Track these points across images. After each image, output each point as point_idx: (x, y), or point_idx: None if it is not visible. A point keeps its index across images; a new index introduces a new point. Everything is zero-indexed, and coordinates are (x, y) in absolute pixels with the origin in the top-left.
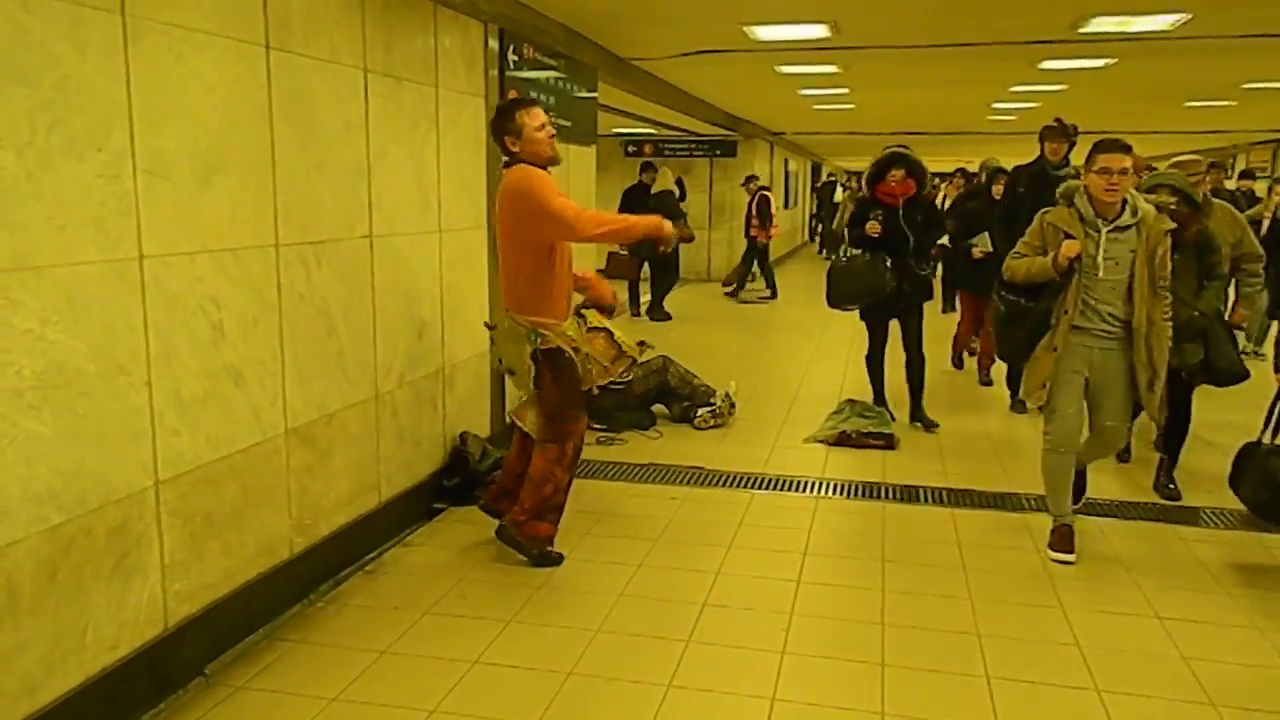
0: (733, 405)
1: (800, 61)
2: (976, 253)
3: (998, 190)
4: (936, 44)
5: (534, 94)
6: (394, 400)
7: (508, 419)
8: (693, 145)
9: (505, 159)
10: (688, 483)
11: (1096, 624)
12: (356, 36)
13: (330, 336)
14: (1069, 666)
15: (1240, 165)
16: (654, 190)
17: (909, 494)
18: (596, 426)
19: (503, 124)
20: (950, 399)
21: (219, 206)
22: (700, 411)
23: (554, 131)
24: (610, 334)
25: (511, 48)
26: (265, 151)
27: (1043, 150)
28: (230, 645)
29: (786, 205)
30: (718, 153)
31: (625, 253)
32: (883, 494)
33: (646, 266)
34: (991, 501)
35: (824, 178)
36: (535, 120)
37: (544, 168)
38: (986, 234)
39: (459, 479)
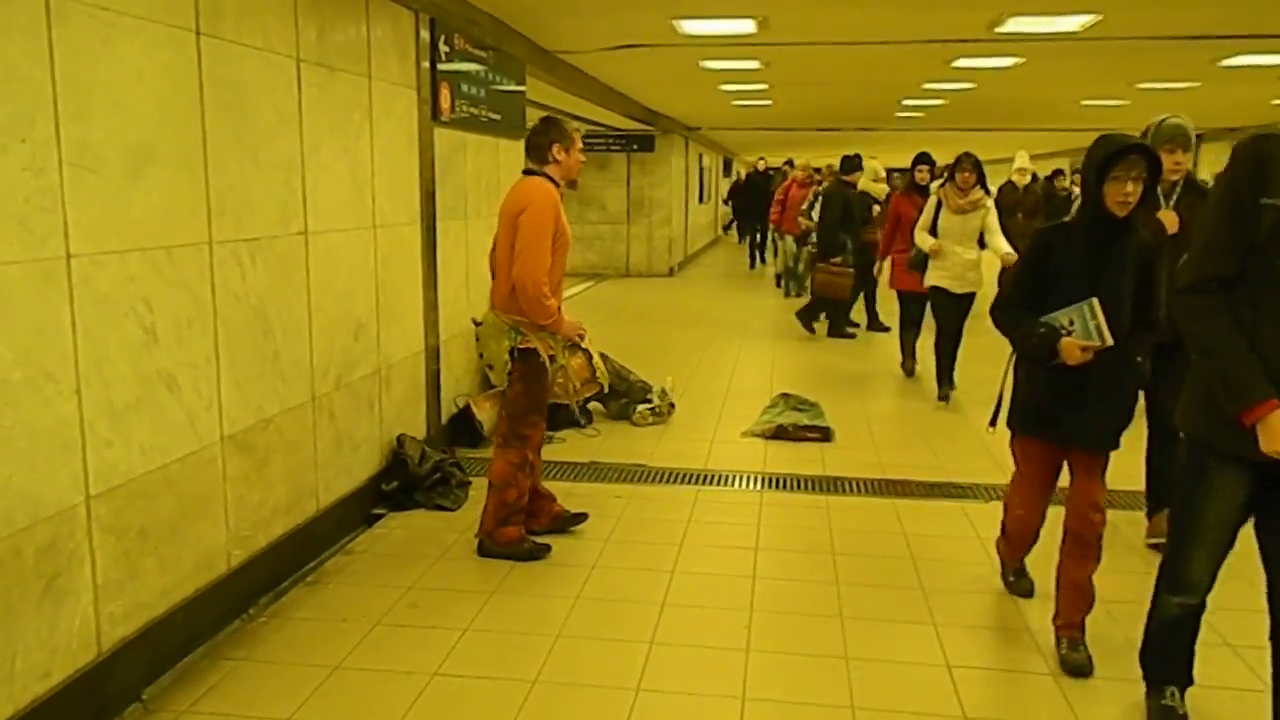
0: (672, 405)
1: (724, 56)
2: None
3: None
4: (858, 40)
5: (464, 86)
6: (331, 403)
7: (451, 409)
8: (610, 140)
9: (529, 167)
10: (631, 480)
11: (1047, 609)
12: (289, 23)
13: (266, 338)
14: (1026, 653)
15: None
16: (858, 189)
17: (850, 486)
18: None
19: (556, 131)
20: (879, 388)
21: (150, 202)
22: (639, 408)
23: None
24: (590, 357)
25: (443, 38)
26: (197, 143)
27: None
28: (169, 667)
29: (701, 200)
30: (635, 147)
31: (838, 268)
32: (825, 486)
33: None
34: (929, 491)
35: (734, 173)
36: (580, 140)
37: (564, 187)
38: None
39: (398, 482)
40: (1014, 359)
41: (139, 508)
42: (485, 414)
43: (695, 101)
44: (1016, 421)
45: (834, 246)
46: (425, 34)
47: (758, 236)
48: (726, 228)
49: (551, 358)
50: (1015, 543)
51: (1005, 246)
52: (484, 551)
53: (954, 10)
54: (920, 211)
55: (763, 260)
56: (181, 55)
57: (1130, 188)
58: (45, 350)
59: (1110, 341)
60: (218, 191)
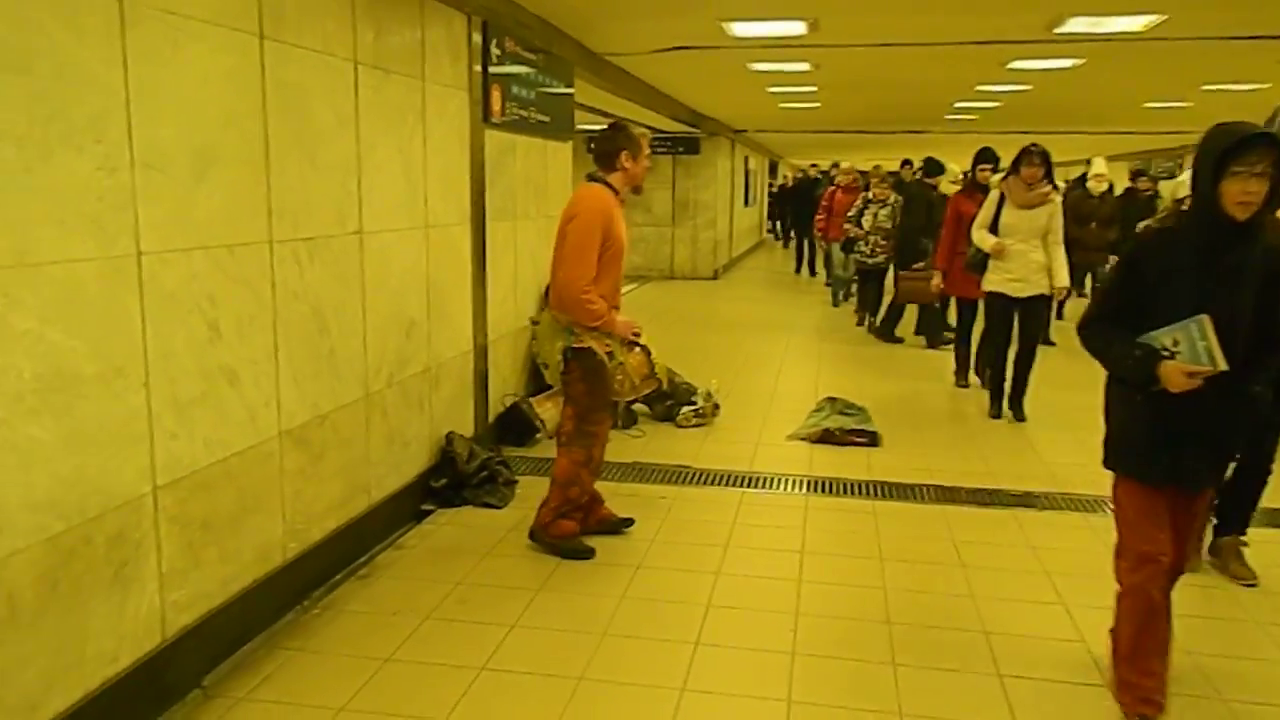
0: (716, 405)
1: (773, 59)
2: None
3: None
4: (911, 43)
5: (515, 88)
6: (383, 400)
7: (499, 407)
8: (656, 142)
9: (593, 173)
10: (676, 482)
11: (1099, 620)
12: (347, 27)
13: (322, 335)
14: (1078, 663)
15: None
16: (939, 192)
17: (898, 491)
18: None
19: (625, 139)
20: (927, 394)
21: (214, 201)
22: (683, 410)
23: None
24: (648, 353)
25: (494, 41)
26: (259, 144)
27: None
28: (228, 655)
29: (746, 203)
30: (681, 150)
31: (922, 273)
32: (872, 491)
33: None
34: (979, 498)
35: (780, 176)
36: (648, 147)
37: (624, 194)
38: None
39: (446, 480)
40: (1108, 385)
41: (202, 499)
42: (548, 413)
43: (742, 104)
44: (1113, 458)
45: (917, 252)
46: (477, 37)
47: (805, 243)
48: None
49: (610, 354)
50: (1140, 629)
51: (1063, 271)
52: (535, 539)
53: (1011, 12)
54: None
55: (812, 272)
56: (245, 58)
57: (1254, 186)
58: (115, 345)
59: (1223, 366)
60: (278, 192)
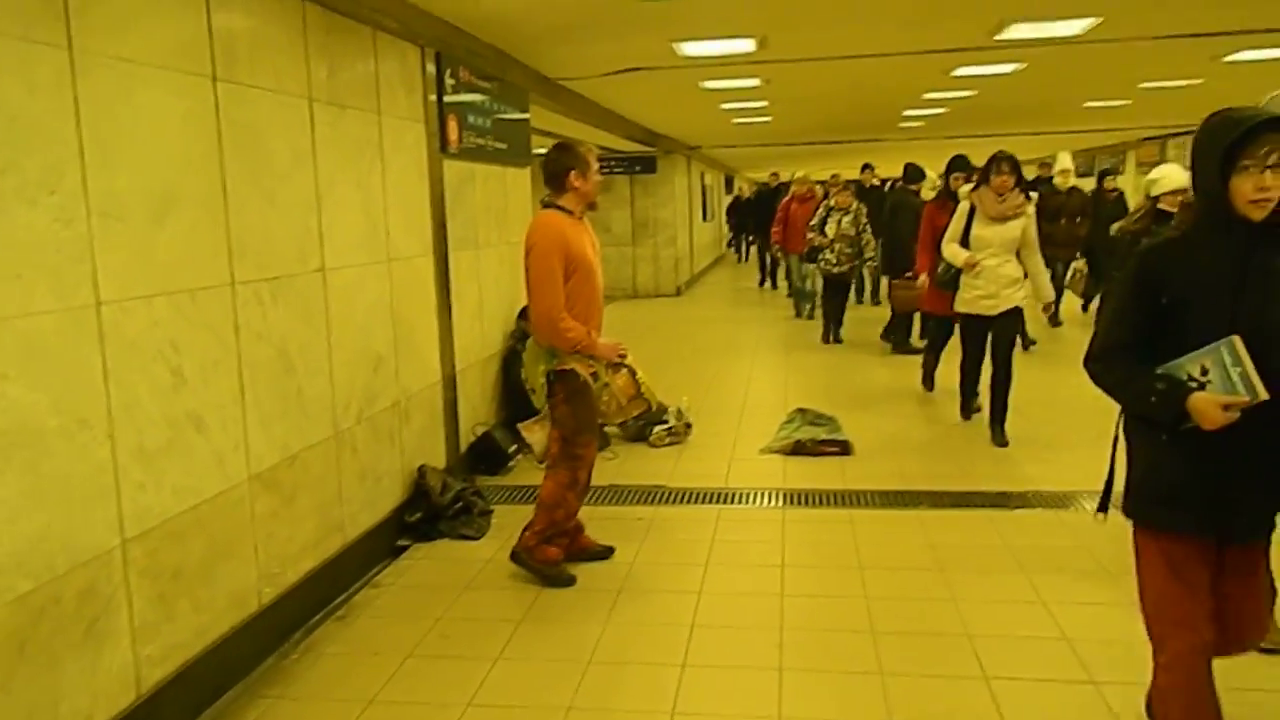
0: (688, 424)
1: (724, 76)
2: None
3: None
4: (858, 55)
5: (471, 117)
6: (353, 437)
7: (469, 437)
8: (613, 162)
9: (544, 200)
10: (652, 502)
11: (1079, 617)
12: (300, 64)
13: (289, 375)
14: (1062, 660)
15: (1131, 162)
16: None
17: (873, 499)
18: None
19: (571, 158)
20: (895, 400)
21: (174, 246)
22: (656, 429)
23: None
24: (634, 374)
25: (448, 71)
26: (217, 186)
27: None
28: (207, 707)
29: (705, 218)
30: (638, 169)
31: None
32: (847, 500)
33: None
34: (954, 501)
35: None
36: (595, 162)
37: (580, 213)
38: None
39: (421, 513)
40: (1123, 423)
41: (172, 549)
42: (535, 437)
43: (696, 121)
44: (1136, 505)
45: (907, 260)
46: (431, 68)
47: (767, 256)
48: (729, 245)
49: (595, 376)
50: (1189, 709)
51: (1047, 285)
52: (517, 560)
53: (954, 20)
54: None
55: (773, 285)
56: (199, 101)
57: (1270, 180)
58: (78, 397)
59: (1264, 395)
60: (238, 233)
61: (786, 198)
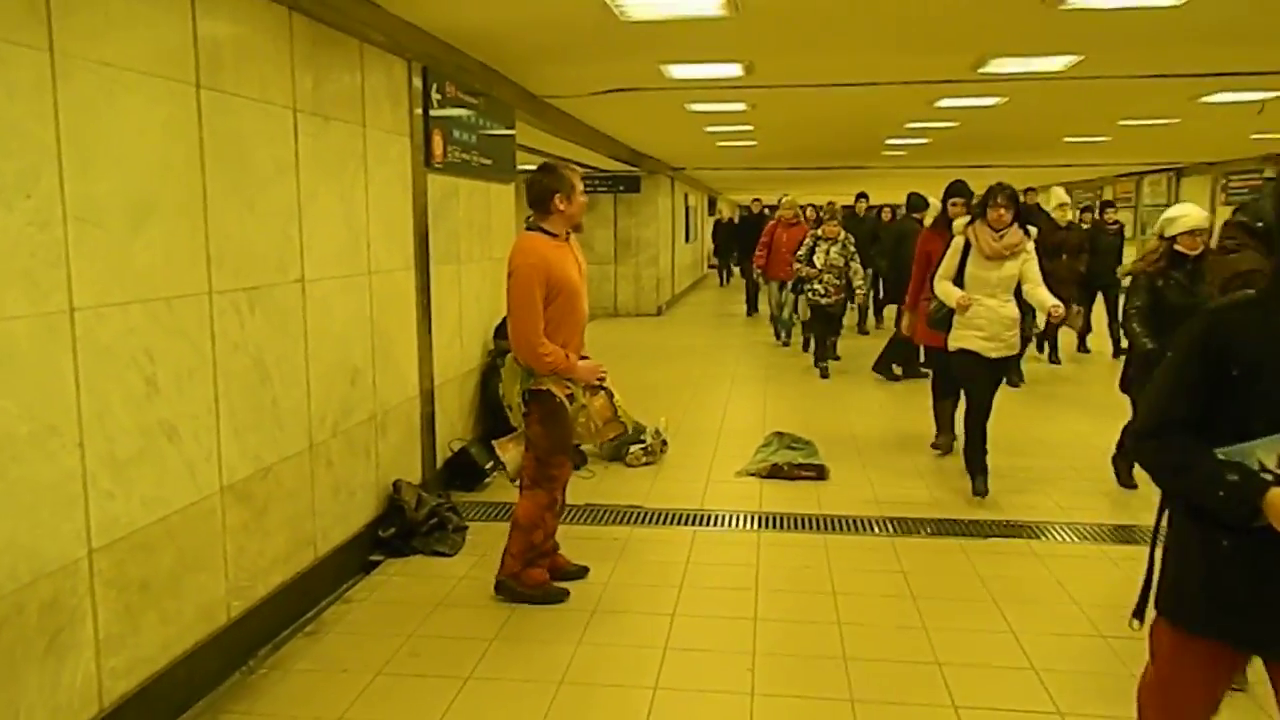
0: (664, 443)
1: (710, 100)
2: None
3: None
4: (842, 83)
5: (456, 132)
6: (329, 450)
7: (446, 452)
8: (597, 181)
9: (529, 221)
10: (627, 522)
11: (1048, 647)
12: (285, 74)
13: (264, 386)
14: (1030, 691)
15: (1107, 196)
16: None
17: (848, 524)
18: None
19: (556, 181)
20: (871, 425)
21: (151, 253)
22: (632, 449)
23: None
24: (611, 396)
25: (435, 86)
26: (197, 194)
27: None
28: None
29: (687, 239)
30: (621, 188)
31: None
32: (822, 525)
33: None
34: (928, 529)
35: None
36: (580, 184)
37: (565, 236)
38: None
39: (395, 529)
40: (1165, 512)
41: (140, 560)
42: (509, 455)
43: (681, 142)
44: (1176, 608)
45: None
46: (418, 82)
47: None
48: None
49: (571, 398)
50: None
51: (1050, 297)
52: (504, 592)
53: (938, 53)
54: None
55: (756, 309)
56: (182, 108)
57: None
58: (49, 404)
59: None
60: (217, 242)
61: (772, 222)
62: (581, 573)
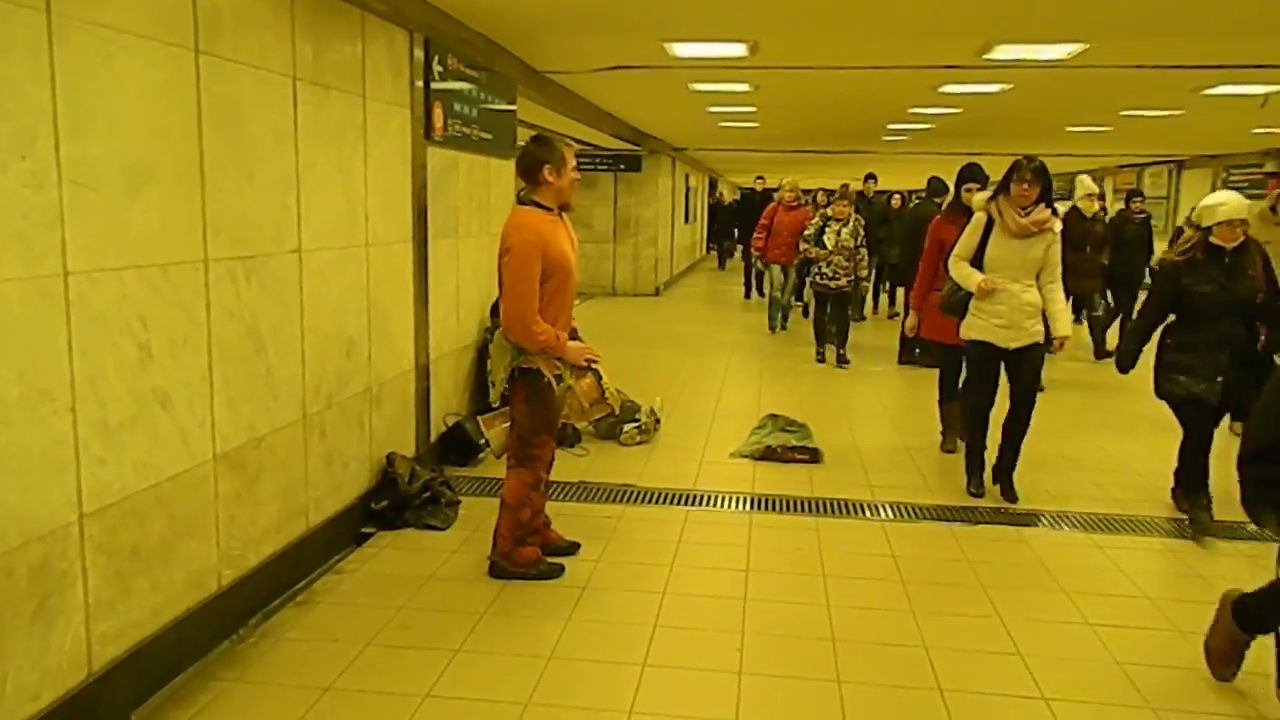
0: (658, 421)
1: (714, 80)
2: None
3: None
4: (847, 66)
5: (457, 105)
6: (322, 421)
7: (440, 427)
8: (597, 160)
9: (521, 195)
10: (620, 500)
11: (1034, 633)
12: (286, 41)
13: (259, 356)
14: (1015, 676)
15: (1109, 186)
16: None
17: (839, 508)
18: None
19: (547, 153)
20: (866, 410)
21: (148, 219)
22: (627, 428)
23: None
24: (599, 377)
25: (436, 58)
26: (195, 161)
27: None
28: (159, 688)
29: (687, 220)
30: (622, 167)
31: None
32: (814, 508)
33: None
34: (920, 514)
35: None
36: (573, 159)
37: (561, 209)
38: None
39: (388, 501)
40: None
41: (131, 526)
42: (493, 431)
43: (683, 122)
44: None
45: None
46: (419, 54)
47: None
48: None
49: (559, 378)
50: None
51: (1064, 317)
52: (497, 572)
53: (943, 38)
54: None
55: (760, 293)
56: (180, 73)
57: None
58: (41, 368)
59: None
60: (213, 209)
61: (773, 204)
62: (573, 548)
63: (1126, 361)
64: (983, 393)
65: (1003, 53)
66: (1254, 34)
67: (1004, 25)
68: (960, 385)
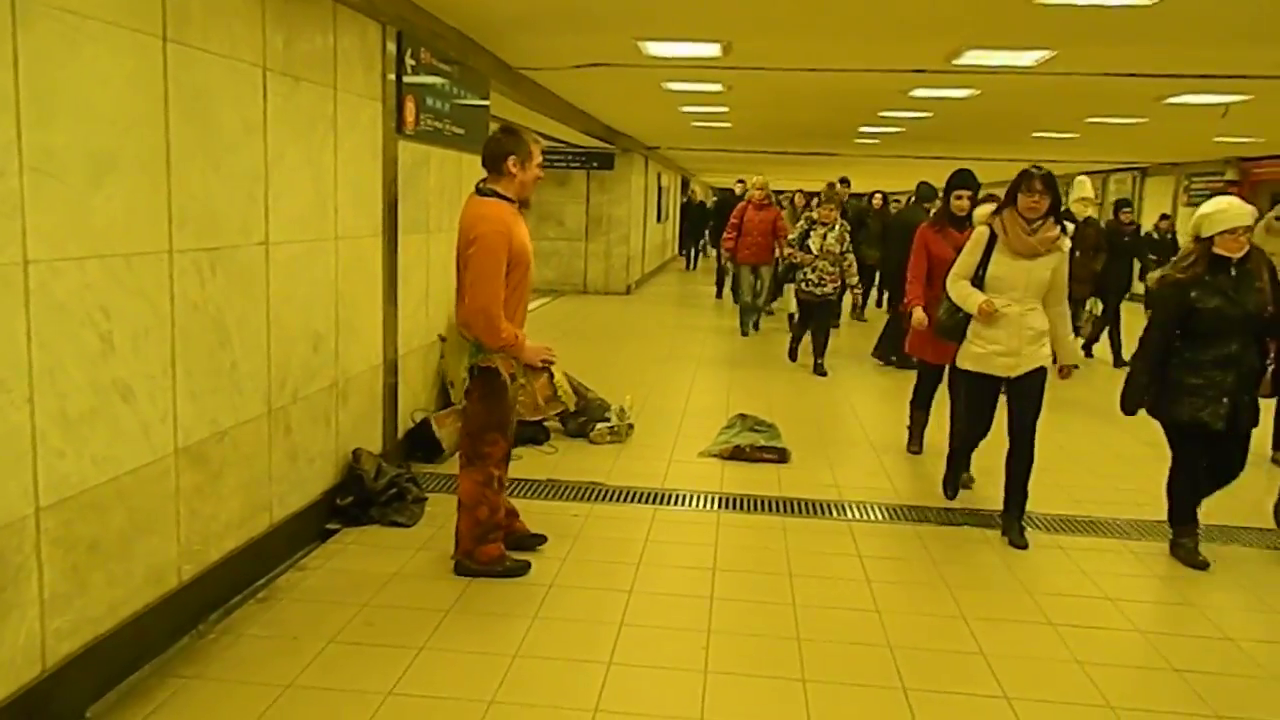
0: (630, 424)
1: (687, 79)
2: None
3: None
4: (819, 68)
5: (429, 100)
6: (288, 416)
7: (408, 423)
8: (570, 157)
9: (482, 185)
10: (588, 499)
11: (997, 632)
12: (256, 31)
13: (224, 349)
14: (977, 675)
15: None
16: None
17: (807, 508)
18: None
19: (514, 144)
20: (835, 411)
21: (112, 209)
22: (598, 427)
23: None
24: (552, 376)
25: (409, 52)
26: (160, 151)
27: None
28: (116, 684)
29: (659, 219)
30: (595, 165)
31: None
32: (781, 508)
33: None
34: (885, 514)
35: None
36: (539, 155)
37: (520, 204)
38: None
39: (353, 498)
40: None
41: (90, 520)
42: (445, 431)
43: (655, 121)
44: None
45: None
46: (392, 47)
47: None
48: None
49: (513, 376)
50: None
51: (1069, 342)
52: (462, 571)
53: (915, 41)
54: (959, 252)
55: (734, 296)
56: (147, 61)
57: None
58: None
59: None
60: (179, 200)
61: (742, 203)
62: (538, 540)
63: (1134, 398)
64: (976, 429)
65: (972, 58)
66: (1217, 44)
67: (974, 30)
68: (950, 416)
